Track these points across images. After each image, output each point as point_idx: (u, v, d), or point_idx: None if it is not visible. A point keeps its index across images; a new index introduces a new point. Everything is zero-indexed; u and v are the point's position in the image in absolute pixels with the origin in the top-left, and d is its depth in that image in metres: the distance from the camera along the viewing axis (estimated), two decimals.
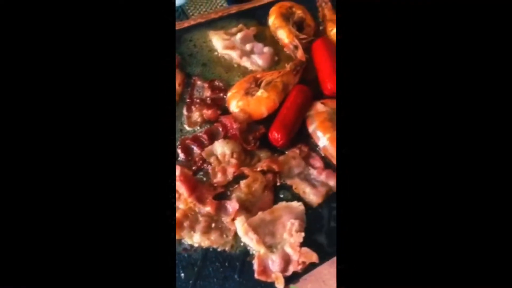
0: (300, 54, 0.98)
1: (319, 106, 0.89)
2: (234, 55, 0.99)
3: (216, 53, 1.02)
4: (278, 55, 1.03)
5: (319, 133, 0.86)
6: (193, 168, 0.81)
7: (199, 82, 0.95)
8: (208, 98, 0.91)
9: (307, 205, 0.78)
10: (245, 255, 0.73)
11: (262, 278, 0.69)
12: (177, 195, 0.76)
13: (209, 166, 0.81)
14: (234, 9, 1.18)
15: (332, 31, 1.06)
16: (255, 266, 0.70)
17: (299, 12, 1.09)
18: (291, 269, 0.70)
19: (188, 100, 0.92)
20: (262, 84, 0.91)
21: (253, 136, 0.84)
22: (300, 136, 0.88)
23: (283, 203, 0.77)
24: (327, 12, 1.10)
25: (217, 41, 1.01)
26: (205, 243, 0.73)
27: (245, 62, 0.99)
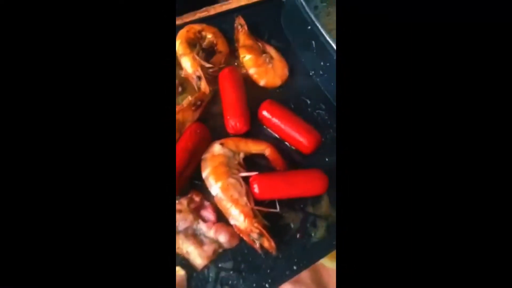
0: (203, 86, 0.88)
1: (216, 148, 0.79)
2: None
3: None
4: (183, 86, 0.93)
5: (211, 180, 0.75)
6: None
7: None
8: None
9: (190, 268, 0.69)
10: None
11: None
12: None
13: None
14: None
15: (245, 58, 0.96)
16: None
17: (209, 36, 0.98)
18: None
19: None
20: None
21: None
22: (195, 183, 0.78)
23: None
24: (241, 36, 0.99)
25: None
26: None
27: None
